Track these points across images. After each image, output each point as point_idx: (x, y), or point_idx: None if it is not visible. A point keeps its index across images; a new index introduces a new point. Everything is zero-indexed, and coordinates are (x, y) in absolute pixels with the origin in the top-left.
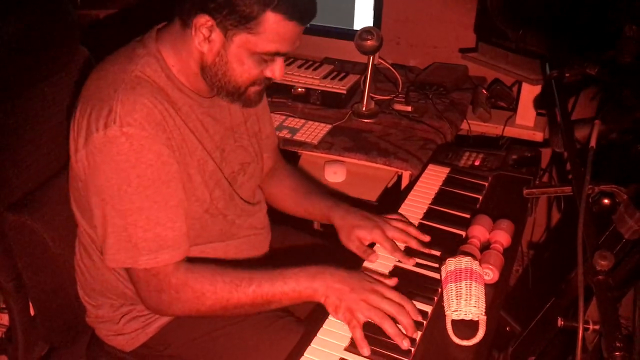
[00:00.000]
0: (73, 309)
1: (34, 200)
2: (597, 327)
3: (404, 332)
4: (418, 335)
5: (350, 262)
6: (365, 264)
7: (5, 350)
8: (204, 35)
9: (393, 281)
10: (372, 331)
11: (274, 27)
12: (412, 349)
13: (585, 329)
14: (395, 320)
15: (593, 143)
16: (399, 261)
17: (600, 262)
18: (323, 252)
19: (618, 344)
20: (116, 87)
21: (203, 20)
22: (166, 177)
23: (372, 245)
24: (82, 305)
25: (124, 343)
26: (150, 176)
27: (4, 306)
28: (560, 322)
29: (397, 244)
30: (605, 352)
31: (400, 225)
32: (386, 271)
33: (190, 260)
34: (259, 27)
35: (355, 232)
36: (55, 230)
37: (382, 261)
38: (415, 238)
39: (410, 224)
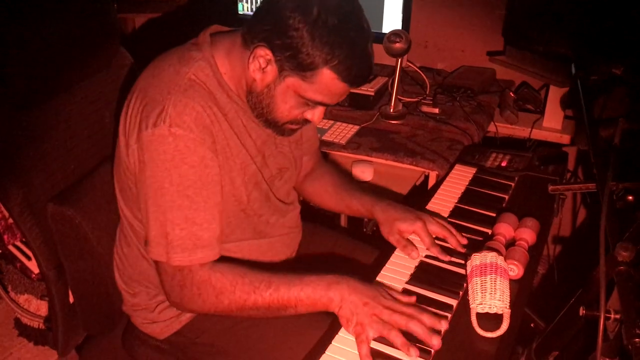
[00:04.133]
0: (110, 297)
1: (75, 193)
2: (618, 316)
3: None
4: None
5: (370, 256)
6: (393, 259)
7: (44, 340)
8: (259, 64)
9: (411, 298)
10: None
11: (326, 82)
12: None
13: (607, 318)
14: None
15: (617, 140)
16: (428, 257)
17: (622, 253)
18: (348, 247)
19: (638, 331)
20: (170, 89)
21: (263, 53)
22: (206, 179)
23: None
24: (119, 293)
25: (158, 331)
26: (191, 177)
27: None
28: (582, 311)
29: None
30: (625, 338)
31: (441, 221)
32: (413, 266)
33: (225, 258)
34: (313, 77)
35: (397, 225)
36: (95, 221)
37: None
38: (454, 237)
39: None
